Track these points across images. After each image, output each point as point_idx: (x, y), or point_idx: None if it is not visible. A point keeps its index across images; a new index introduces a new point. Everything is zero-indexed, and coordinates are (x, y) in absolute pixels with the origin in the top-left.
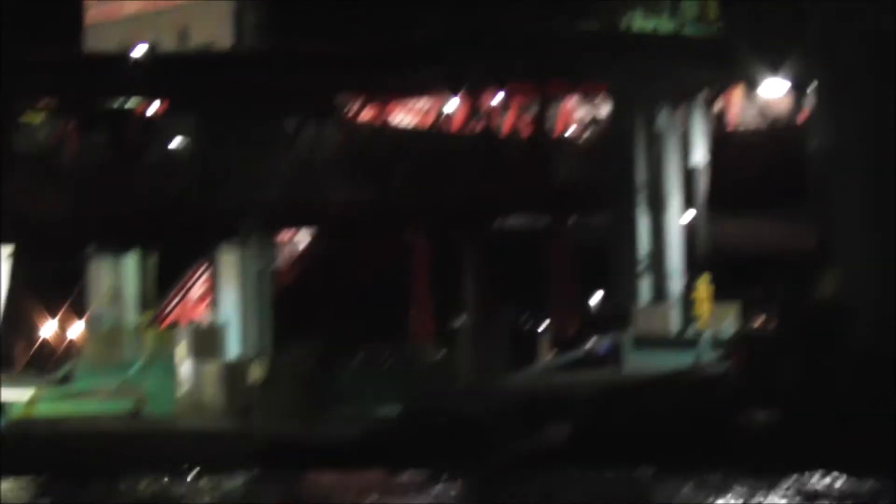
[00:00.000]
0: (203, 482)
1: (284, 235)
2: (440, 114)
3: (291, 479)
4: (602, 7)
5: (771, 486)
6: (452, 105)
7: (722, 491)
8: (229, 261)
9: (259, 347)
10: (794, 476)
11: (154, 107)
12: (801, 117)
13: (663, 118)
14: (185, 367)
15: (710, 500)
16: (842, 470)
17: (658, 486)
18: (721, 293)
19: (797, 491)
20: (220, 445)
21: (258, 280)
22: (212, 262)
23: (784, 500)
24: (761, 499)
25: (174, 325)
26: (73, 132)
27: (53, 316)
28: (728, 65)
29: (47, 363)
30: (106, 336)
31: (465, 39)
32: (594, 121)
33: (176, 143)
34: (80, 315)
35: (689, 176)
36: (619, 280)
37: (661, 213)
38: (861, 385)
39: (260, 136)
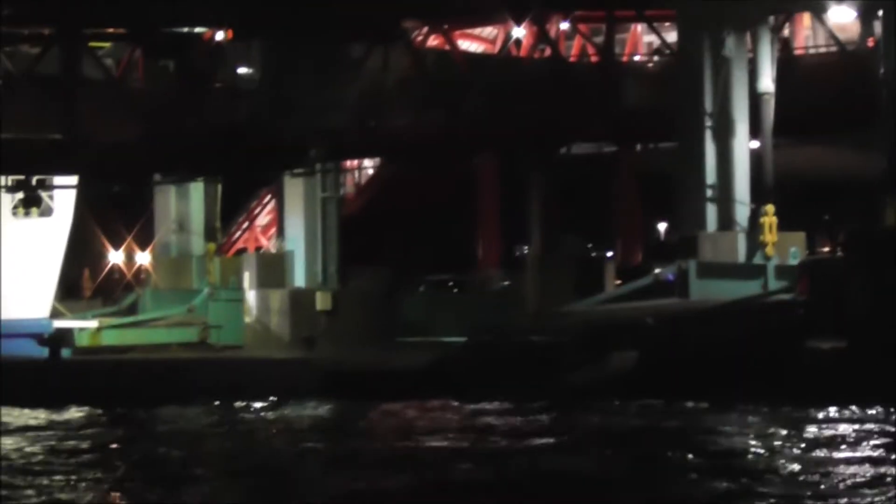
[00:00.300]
0: (269, 411)
1: (352, 162)
2: (507, 40)
3: (358, 407)
4: None
5: (836, 415)
6: (519, 32)
7: (787, 420)
8: (296, 188)
9: (325, 275)
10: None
11: (221, 34)
12: (870, 42)
13: (731, 44)
14: (251, 295)
15: (777, 430)
16: None
17: (722, 416)
18: (788, 220)
19: (861, 420)
20: (286, 374)
21: (325, 207)
22: (278, 190)
23: (851, 429)
24: (826, 428)
25: (241, 252)
26: (140, 59)
27: (120, 244)
28: None
29: (114, 292)
30: (172, 264)
31: None
32: (662, 47)
33: (243, 70)
34: (146, 243)
35: (756, 102)
36: (686, 208)
37: (729, 140)
38: None
39: (326, 62)
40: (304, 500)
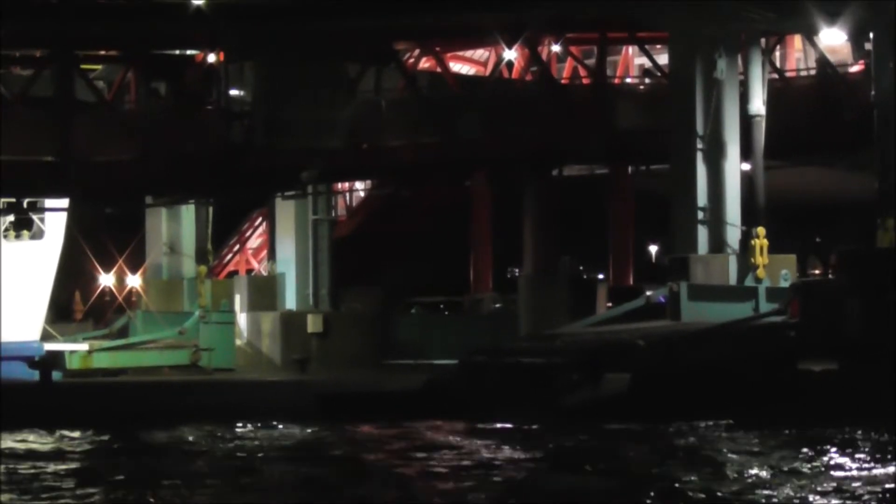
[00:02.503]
0: (261, 433)
1: (343, 184)
2: (500, 61)
3: (350, 430)
4: None
5: (830, 436)
6: (512, 53)
7: (779, 441)
8: (287, 210)
9: (317, 298)
10: (853, 426)
11: (213, 56)
12: (861, 65)
13: (722, 66)
14: (242, 317)
15: (768, 450)
16: None
17: (714, 437)
18: (779, 243)
19: (855, 441)
20: (277, 396)
21: (316, 230)
22: (270, 212)
23: (842, 452)
24: (819, 450)
25: (232, 275)
26: (132, 81)
27: (111, 266)
28: (787, 12)
29: (105, 314)
30: (164, 286)
31: None
32: (653, 68)
33: (235, 92)
34: (137, 265)
35: (748, 124)
36: (678, 229)
37: (720, 161)
38: None
39: (319, 84)
40: None
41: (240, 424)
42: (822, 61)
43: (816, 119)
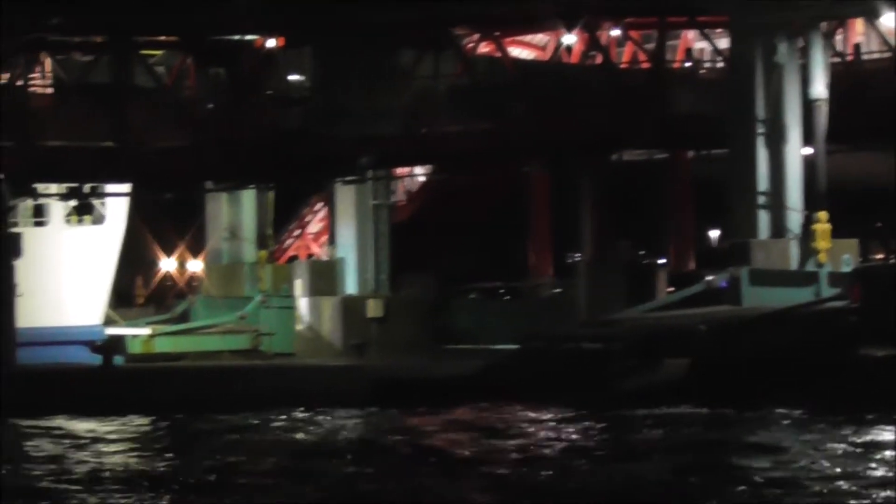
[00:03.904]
0: (320, 417)
1: (402, 170)
2: (559, 46)
3: (408, 414)
4: None
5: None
6: (571, 38)
7: (838, 428)
8: (347, 195)
9: (377, 283)
10: None
11: (272, 41)
12: None
13: (783, 50)
14: (302, 302)
15: (827, 437)
16: None
17: (773, 423)
18: (840, 227)
19: None
20: (337, 380)
21: (376, 215)
22: (330, 197)
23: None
24: (878, 435)
25: (292, 260)
26: (191, 67)
27: (172, 252)
28: None
29: (166, 299)
30: (224, 271)
31: None
32: (714, 53)
33: (294, 77)
34: (198, 251)
35: (809, 109)
36: (738, 214)
37: (781, 146)
38: None
39: (377, 70)
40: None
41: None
42: (888, 43)
43: (878, 103)
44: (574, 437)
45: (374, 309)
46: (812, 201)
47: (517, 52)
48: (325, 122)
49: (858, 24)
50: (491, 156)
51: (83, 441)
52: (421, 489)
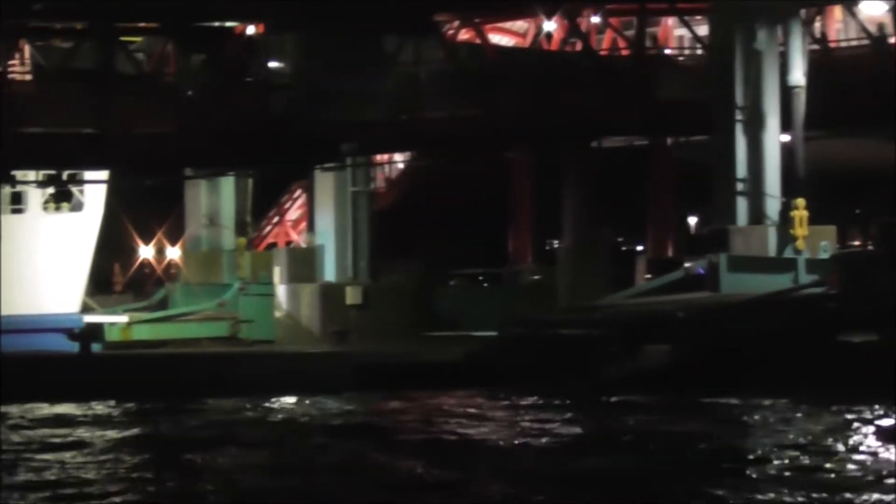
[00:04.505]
0: (299, 404)
1: (382, 156)
2: (539, 32)
3: (388, 401)
4: None
5: (868, 407)
6: (551, 25)
7: (820, 413)
8: (326, 182)
9: (356, 270)
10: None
11: (252, 28)
12: None
13: (762, 37)
14: (281, 289)
15: (808, 422)
16: None
17: (754, 410)
18: (819, 214)
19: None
20: (316, 367)
21: (355, 201)
22: (309, 184)
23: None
24: (858, 421)
25: (271, 247)
26: (172, 53)
27: (150, 239)
28: None
29: (144, 286)
30: (203, 259)
31: None
32: (694, 40)
33: (275, 64)
34: (177, 238)
35: (788, 96)
36: (717, 201)
37: (760, 133)
38: None
39: (359, 56)
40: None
41: (277, 397)
42: (866, 30)
43: (857, 90)
44: (546, 422)
45: (353, 296)
46: (791, 188)
47: (497, 38)
48: (308, 107)
49: (837, 12)
50: (475, 142)
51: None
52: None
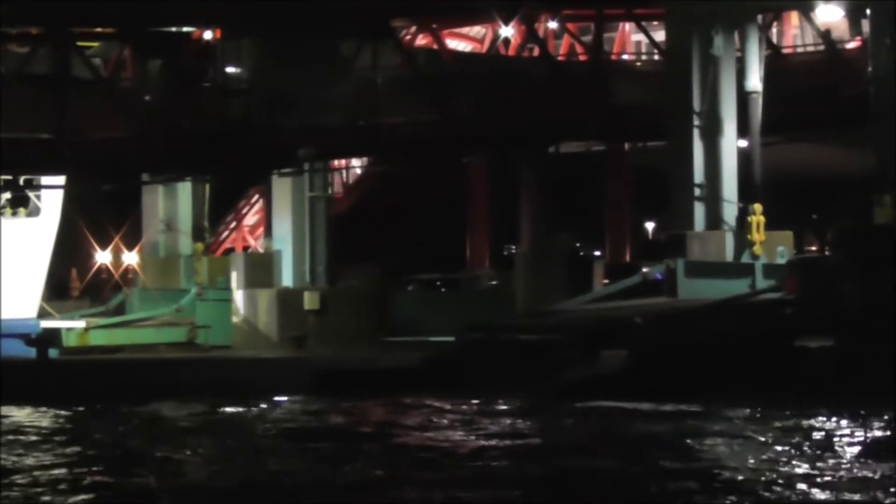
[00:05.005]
0: (258, 410)
1: (340, 162)
2: (496, 38)
3: (346, 406)
4: None
5: (827, 413)
6: (508, 30)
7: (777, 419)
8: (284, 187)
9: (314, 275)
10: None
11: (210, 32)
12: (858, 41)
13: (719, 43)
14: (239, 294)
15: (765, 428)
16: None
17: (711, 415)
18: (776, 219)
19: (852, 418)
20: (273, 373)
21: (313, 207)
22: (266, 190)
23: (844, 427)
24: (816, 427)
25: (229, 252)
26: (129, 58)
27: (108, 244)
28: None
29: (102, 292)
30: (160, 264)
31: None
32: (651, 45)
33: (232, 69)
34: (134, 243)
35: (745, 101)
36: (674, 206)
37: (717, 138)
38: None
39: (316, 61)
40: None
41: (235, 402)
42: (822, 36)
43: (813, 95)
44: (503, 427)
45: (311, 301)
46: (748, 193)
47: (454, 44)
48: (263, 113)
49: (794, 17)
50: (432, 147)
51: None
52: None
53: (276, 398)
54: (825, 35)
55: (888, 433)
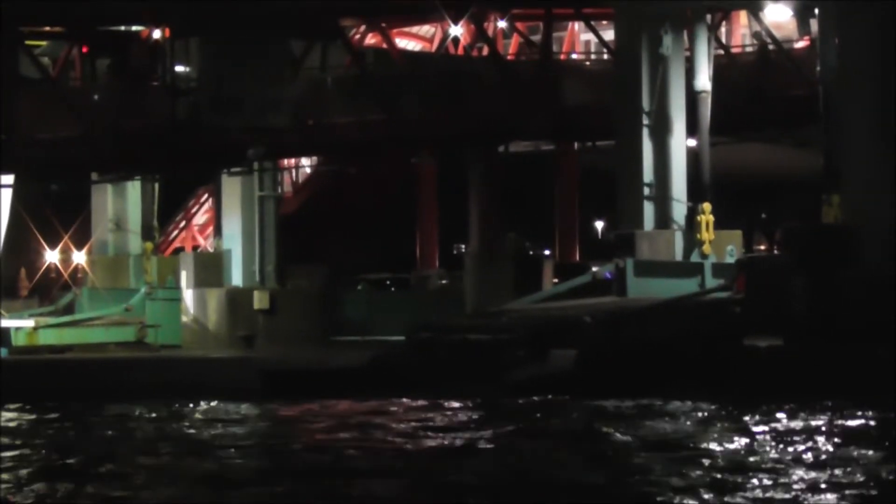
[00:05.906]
0: (206, 410)
1: (289, 161)
2: (446, 37)
3: (296, 406)
4: None
5: (775, 412)
6: (458, 29)
7: (726, 418)
8: (233, 187)
9: (263, 275)
10: (799, 403)
11: (159, 31)
12: (806, 41)
13: (668, 42)
14: (188, 294)
15: (714, 428)
16: (846, 396)
17: (660, 414)
18: (725, 218)
19: (803, 418)
20: (222, 373)
21: (262, 206)
22: (216, 189)
23: (794, 425)
24: (765, 427)
25: (178, 251)
26: (77, 57)
27: (57, 243)
28: None
29: (51, 291)
30: (109, 263)
31: None
32: (600, 45)
33: (181, 68)
34: (83, 242)
35: (694, 100)
36: (624, 206)
37: (666, 138)
38: (866, 309)
39: (265, 61)
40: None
41: (183, 402)
42: (770, 36)
43: (762, 95)
44: (452, 426)
45: (260, 301)
46: (697, 193)
47: (403, 43)
48: (212, 113)
49: (743, 17)
50: (381, 147)
51: None
52: None
53: (224, 399)
54: (767, 36)
55: (833, 429)
